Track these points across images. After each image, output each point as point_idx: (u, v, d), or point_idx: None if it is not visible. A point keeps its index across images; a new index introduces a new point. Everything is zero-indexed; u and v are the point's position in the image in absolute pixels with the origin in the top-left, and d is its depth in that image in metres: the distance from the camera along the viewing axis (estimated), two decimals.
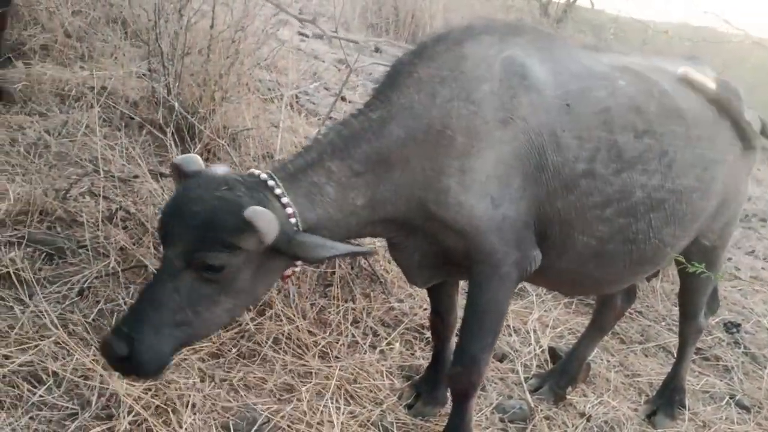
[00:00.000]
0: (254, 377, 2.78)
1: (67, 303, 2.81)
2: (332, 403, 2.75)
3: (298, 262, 2.21)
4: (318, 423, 2.63)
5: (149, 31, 4.39)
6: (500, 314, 2.50)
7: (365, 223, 2.28)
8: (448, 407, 2.82)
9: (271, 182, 2.12)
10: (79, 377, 2.48)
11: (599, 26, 10.45)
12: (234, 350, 2.88)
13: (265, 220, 1.98)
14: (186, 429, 2.37)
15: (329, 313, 3.28)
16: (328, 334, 3.16)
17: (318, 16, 8.81)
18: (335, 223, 2.21)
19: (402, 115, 2.24)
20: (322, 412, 2.70)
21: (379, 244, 3.65)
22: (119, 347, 1.97)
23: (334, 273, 3.43)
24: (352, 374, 2.97)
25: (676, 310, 3.84)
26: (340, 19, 8.85)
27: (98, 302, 2.85)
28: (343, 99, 6.55)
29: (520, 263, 2.39)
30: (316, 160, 2.21)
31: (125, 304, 2.84)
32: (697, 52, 4.27)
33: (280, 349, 2.97)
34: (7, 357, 2.47)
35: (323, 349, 3.07)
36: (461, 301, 2.69)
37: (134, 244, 3.09)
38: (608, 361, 3.75)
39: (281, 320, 3.07)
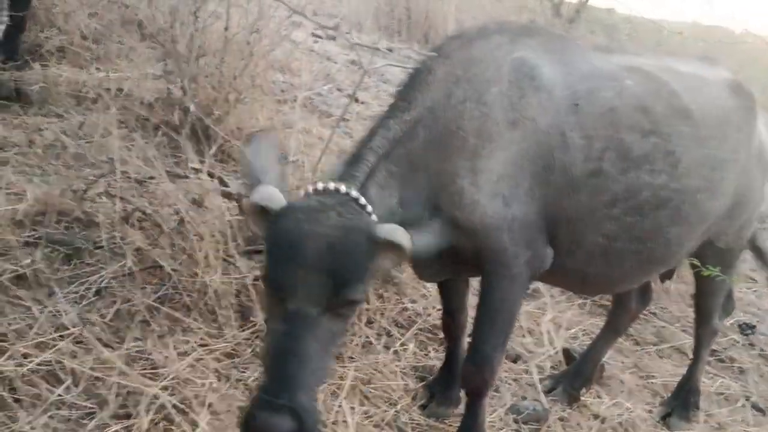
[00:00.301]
0: None
1: (84, 303, 2.83)
2: (347, 403, 2.74)
3: None
4: (333, 423, 2.63)
5: (164, 33, 4.42)
6: (512, 313, 2.51)
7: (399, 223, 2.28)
8: (462, 408, 2.81)
9: (355, 194, 2.05)
10: (97, 376, 2.50)
11: (612, 26, 10.40)
12: (249, 350, 2.89)
13: (399, 233, 1.95)
14: (203, 429, 2.38)
15: None
16: None
17: (330, 17, 8.86)
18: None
19: (426, 117, 2.27)
20: (336, 412, 2.69)
21: None
22: (286, 424, 1.77)
23: None
24: (366, 375, 2.96)
25: (690, 312, 3.82)
26: (352, 19, 8.86)
27: (115, 302, 2.87)
28: (356, 100, 6.57)
29: (531, 262, 2.40)
30: (375, 165, 2.18)
31: (141, 304, 2.85)
32: (712, 53, 4.24)
33: None
34: (26, 356, 2.49)
35: None
36: (473, 300, 2.69)
37: (150, 245, 3.10)
38: (623, 363, 3.73)
39: None
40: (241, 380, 2.73)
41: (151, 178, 3.51)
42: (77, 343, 2.61)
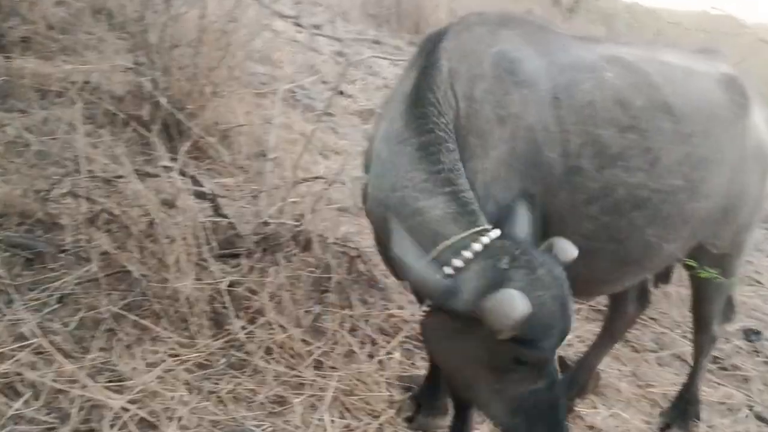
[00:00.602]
0: (244, 389, 2.77)
1: (46, 311, 2.81)
2: (327, 415, 2.73)
3: None
4: None
5: (136, 22, 4.39)
6: None
7: None
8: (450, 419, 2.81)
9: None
10: (59, 389, 2.47)
11: (612, 16, 10.42)
12: (223, 361, 2.87)
13: None
14: None
15: (325, 320, 3.27)
16: (323, 343, 3.14)
17: (315, 4, 8.85)
18: None
19: (448, 115, 2.26)
20: (316, 425, 2.69)
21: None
22: None
23: (330, 279, 3.42)
24: (348, 385, 2.95)
25: (691, 317, 3.82)
26: (338, 9, 8.85)
27: (79, 310, 2.85)
28: (342, 93, 6.57)
29: None
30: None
31: (107, 312, 2.82)
32: (713, 44, 4.25)
33: (272, 359, 2.96)
34: None
35: (318, 358, 3.05)
36: None
37: (117, 249, 3.07)
38: (620, 371, 3.74)
39: (273, 329, 3.05)
40: (213, 392, 2.72)
41: (119, 177, 3.48)
42: (38, 353, 2.59)
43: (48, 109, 4.05)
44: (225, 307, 3.03)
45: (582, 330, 3.91)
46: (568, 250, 2.14)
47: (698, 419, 3.38)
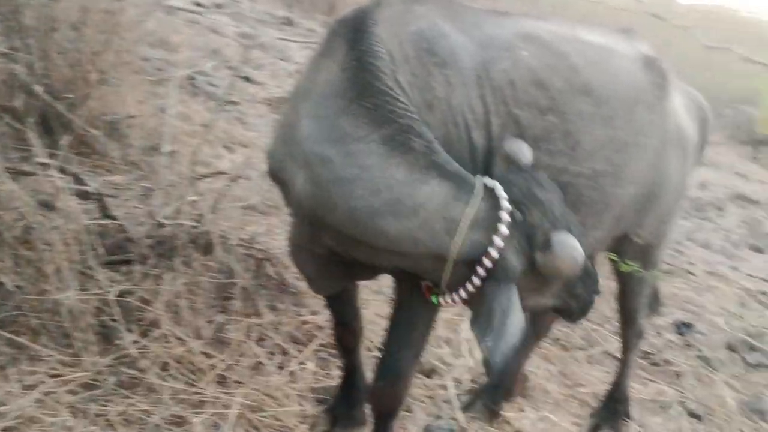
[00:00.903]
0: (137, 410, 2.71)
1: None
2: None
3: None
4: None
5: (7, 1, 4.21)
6: (430, 324, 2.57)
7: None
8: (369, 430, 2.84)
9: None
10: None
11: None
12: (112, 380, 2.80)
13: None
14: None
15: (228, 331, 3.24)
16: (227, 355, 3.11)
17: None
18: None
19: (404, 99, 2.25)
20: None
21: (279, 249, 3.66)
22: None
23: (234, 284, 3.38)
24: (256, 401, 2.93)
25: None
26: None
27: None
28: (248, 80, 6.50)
29: None
30: None
31: None
32: (642, 28, 4.41)
33: (169, 375, 2.91)
34: None
35: (221, 373, 3.02)
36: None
37: None
38: (548, 371, 3.86)
39: (170, 342, 3.00)
40: (101, 416, 2.65)
41: None
42: None
43: None
44: (114, 320, 2.95)
45: None
46: (524, 149, 2.28)
47: (629, 418, 3.53)
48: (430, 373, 3.51)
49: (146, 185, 3.81)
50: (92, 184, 3.53)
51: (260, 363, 3.17)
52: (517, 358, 3.41)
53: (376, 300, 3.78)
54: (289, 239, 2.76)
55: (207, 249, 3.40)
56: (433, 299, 2.32)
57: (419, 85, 2.29)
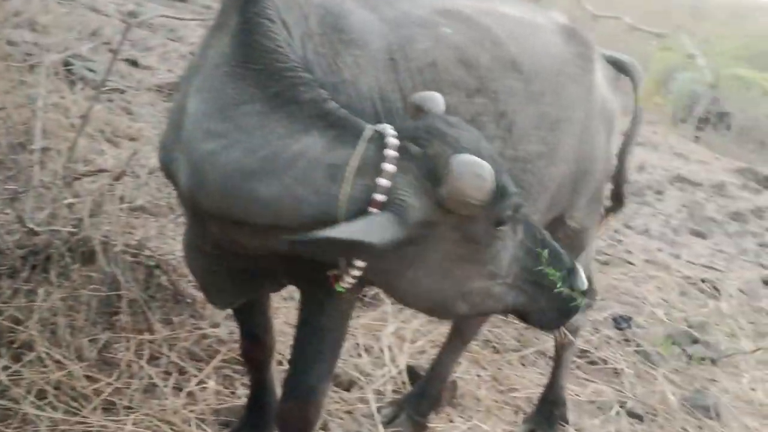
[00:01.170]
0: None
1: None
2: None
3: None
4: None
5: None
6: (343, 331, 2.56)
7: None
8: None
9: None
10: None
11: None
12: None
13: None
14: None
15: (116, 350, 3.20)
16: (115, 378, 3.07)
17: None
18: None
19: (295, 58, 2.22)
20: None
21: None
22: None
23: (120, 297, 3.31)
24: (150, 428, 2.90)
25: None
26: None
27: None
28: (134, 64, 6.37)
29: None
30: None
31: None
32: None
33: (47, 404, 2.84)
34: None
35: (108, 398, 2.97)
36: None
37: None
38: (479, 376, 3.92)
39: (47, 366, 2.94)
40: None
41: None
42: None
43: None
44: None
45: (435, 334, 4.05)
46: (436, 98, 2.23)
47: (566, 422, 3.62)
48: (348, 385, 3.52)
49: (14, 187, 3.69)
50: None
51: (153, 385, 3.13)
52: (445, 365, 3.45)
53: (286, 306, 3.77)
54: (183, 243, 2.71)
55: (87, 258, 3.35)
56: (338, 288, 2.27)
57: (323, 65, 2.28)
